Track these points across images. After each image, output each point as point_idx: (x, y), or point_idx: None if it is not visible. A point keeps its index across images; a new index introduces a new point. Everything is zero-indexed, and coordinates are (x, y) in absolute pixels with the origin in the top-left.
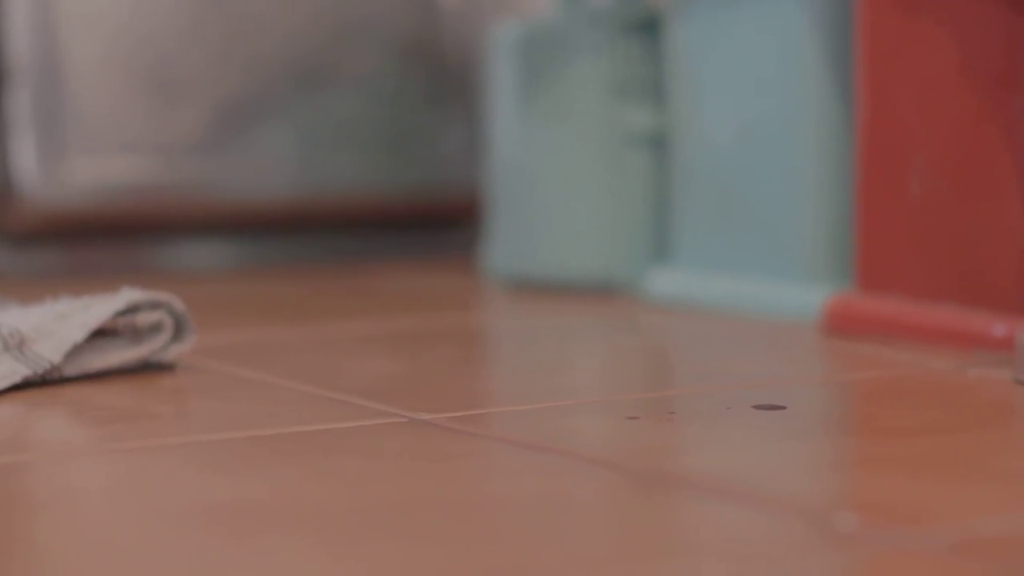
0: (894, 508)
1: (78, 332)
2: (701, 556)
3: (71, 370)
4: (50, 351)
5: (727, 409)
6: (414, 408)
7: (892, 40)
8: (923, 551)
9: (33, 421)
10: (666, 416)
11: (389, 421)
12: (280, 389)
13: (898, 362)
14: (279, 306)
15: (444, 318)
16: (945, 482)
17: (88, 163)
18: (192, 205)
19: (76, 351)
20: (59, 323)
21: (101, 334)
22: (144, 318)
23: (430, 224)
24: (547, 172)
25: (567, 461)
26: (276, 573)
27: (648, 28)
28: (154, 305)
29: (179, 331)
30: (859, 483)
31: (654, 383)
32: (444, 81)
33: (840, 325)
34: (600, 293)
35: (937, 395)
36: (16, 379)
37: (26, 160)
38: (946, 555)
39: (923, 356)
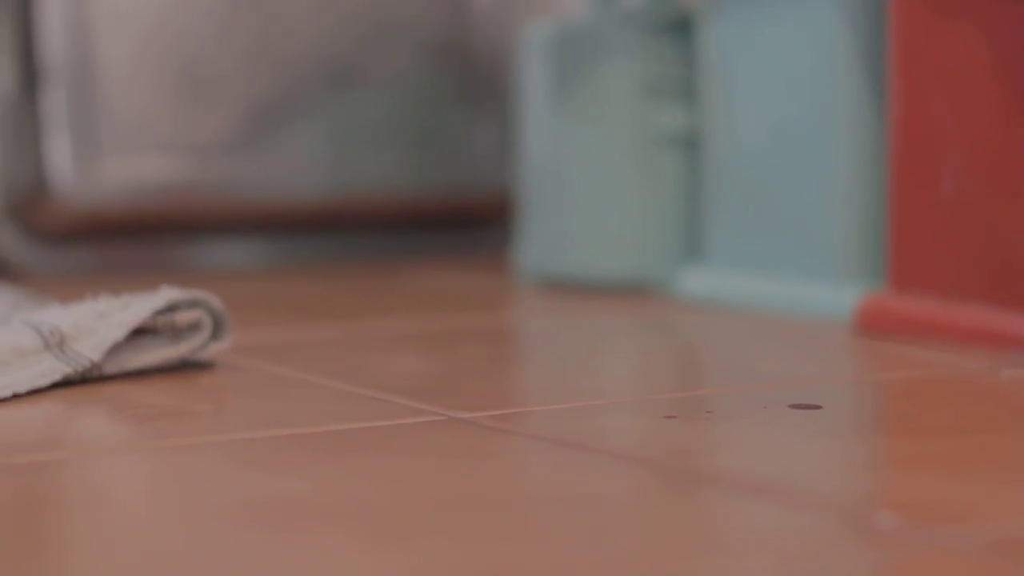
0: (932, 507)
1: (118, 330)
2: (740, 554)
3: (111, 368)
4: (90, 349)
5: (764, 408)
6: (451, 406)
7: (924, 39)
8: (962, 550)
9: (73, 419)
10: (703, 415)
11: (428, 419)
12: (318, 387)
13: (931, 362)
14: (312, 305)
15: (476, 317)
16: (982, 481)
17: (121, 162)
18: (224, 204)
19: (116, 349)
20: (99, 321)
21: (140, 332)
22: (183, 316)
23: (461, 223)
24: (579, 172)
25: (606, 459)
26: (321, 569)
27: (680, 28)
28: (193, 304)
29: (217, 329)
30: (896, 482)
31: (689, 382)
32: (475, 81)
33: (873, 325)
34: (632, 293)
35: (970, 395)
36: (56, 377)
37: (60, 160)
38: (985, 554)
39: (956, 356)
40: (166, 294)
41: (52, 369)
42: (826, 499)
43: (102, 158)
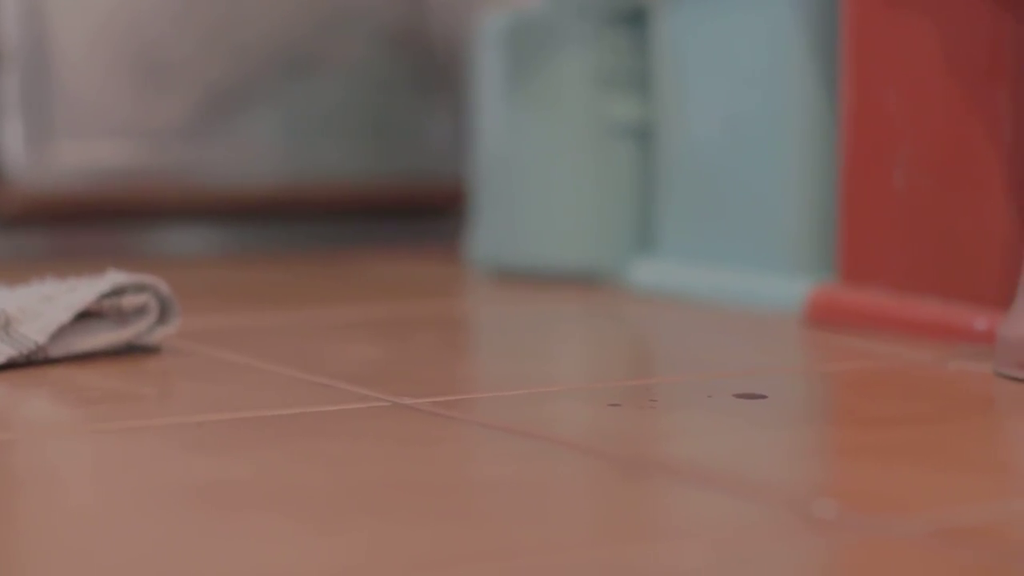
0: (873, 496)
1: (64, 313)
2: (681, 540)
3: (56, 351)
4: (35, 332)
5: (708, 397)
6: (397, 392)
7: (877, 33)
8: (902, 538)
9: (18, 401)
10: (647, 403)
11: (372, 405)
12: (264, 373)
13: (879, 354)
14: (264, 292)
15: (428, 306)
16: (924, 471)
17: (76, 147)
18: (179, 190)
19: (61, 332)
20: (45, 304)
21: (87, 316)
22: (129, 301)
23: (415, 212)
24: (532, 162)
25: (548, 446)
26: (259, 551)
27: (635, 20)
28: (140, 288)
29: (164, 314)
30: (839, 471)
31: (636, 371)
32: (431, 70)
33: (822, 317)
34: (584, 283)
35: (918, 387)
36: (1, 359)
37: (14, 144)
38: (924, 542)
39: (904, 348)
40: (112, 278)
41: None
42: (768, 487)
43: (56, 142)
